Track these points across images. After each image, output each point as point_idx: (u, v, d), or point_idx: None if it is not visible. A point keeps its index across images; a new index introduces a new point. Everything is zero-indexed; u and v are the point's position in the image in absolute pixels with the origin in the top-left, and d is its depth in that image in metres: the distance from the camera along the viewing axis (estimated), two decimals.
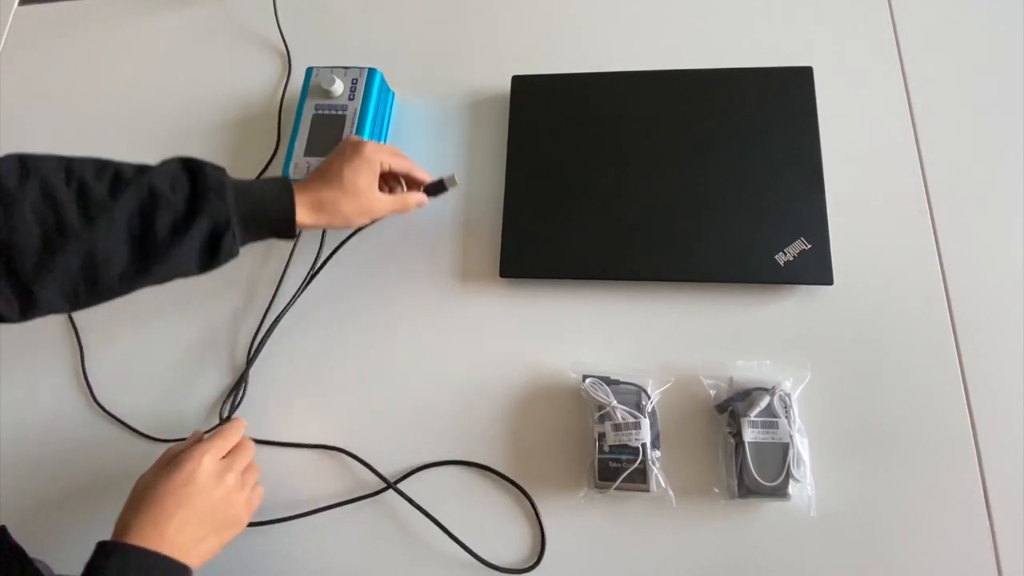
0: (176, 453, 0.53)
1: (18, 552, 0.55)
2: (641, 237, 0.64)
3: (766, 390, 0.56)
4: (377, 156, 0.59)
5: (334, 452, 0.62)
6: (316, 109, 0.70)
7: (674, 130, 0.67)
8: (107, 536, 0.47)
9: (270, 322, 0.67)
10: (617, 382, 0.58)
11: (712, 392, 0.59)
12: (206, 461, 0.51)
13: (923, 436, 0.57)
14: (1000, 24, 0.70)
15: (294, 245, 0.69)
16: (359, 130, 0.68)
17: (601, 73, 0.71)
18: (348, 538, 0.60)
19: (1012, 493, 0.55)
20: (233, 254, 0.52)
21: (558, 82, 0.71)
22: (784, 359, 0.59)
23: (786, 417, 0.55)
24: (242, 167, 0.73)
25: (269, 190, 0.54)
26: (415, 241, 0.69)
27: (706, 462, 0.58)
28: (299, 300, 0.67)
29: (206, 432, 0.57)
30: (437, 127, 0.74)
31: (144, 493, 0.49)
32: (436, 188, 0.64)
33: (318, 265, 0.68)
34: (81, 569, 0.45)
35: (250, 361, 0.66)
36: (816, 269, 0.60)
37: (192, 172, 0.50)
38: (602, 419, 0.57)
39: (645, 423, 0.56)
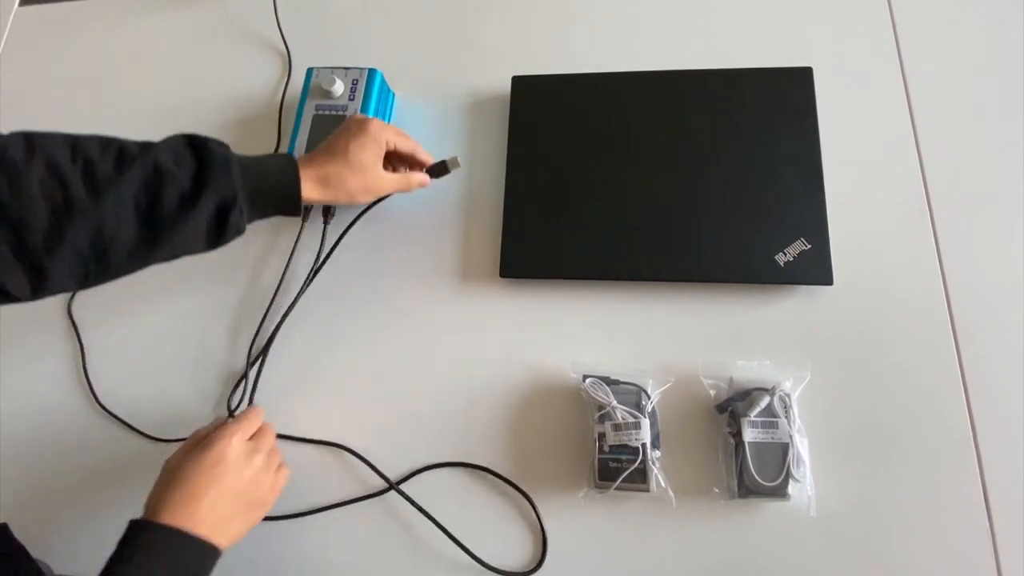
0: (204, 435, 0.53)
1: (19, 550, 0.55)
2: (641, 237, 0.64)
3: (766, 390, 0.56)
4: (383, 134, 0.59)
5: (335, 450, 0.62)
6: (316, 109, 0.70)
7: (674, 130, 0.67)
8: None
9: (271, 322, 0.67)
10: (617, 382, 0.58)
11: (712, 392, 0.59)
12: (235, 442, 0.51)
13: (923, 436, 0.57)
14: (1000, 24, 0.70)
15: (295, 244, 0.69)
16: None
17: (601, 73, 0.71)
18: (349, 538, 0.60)
19: (1012, 493, 0.55)
20: (240, 231, 0.52)
21: (558, 82, 0.71)
22: (784, 359, 0.59)
23: (786, 417, 0.55)
24: None
25: (274, 165, 0.54)
26: (415, 241, 0.69)
27: (706, 462, 0.58)
28: (300, 300, 0.67)
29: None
30: (437, 127, 0.74)
31: (174, 473, 0.49)
32: (439, 169, 0.64)
33: (321, 259, 0.68)
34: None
35: (250, 361, 0.66)
36: (816, 269, 0.60)
37: (197, 148, 0.50)
38: (602, 419, 0.57)
39: (645, 423, 0.56)
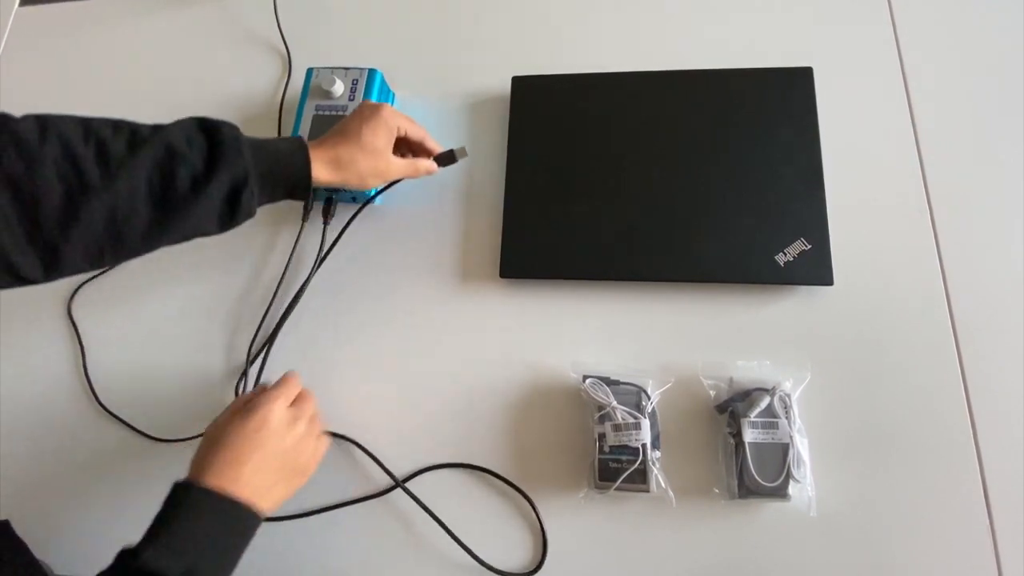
0: (246, 401, 0.53)
1: (20, 547, 0.55)
2: (641, 237, 0.64)
3: (766, 390, 0.56)
4: (394, 120, 0.60)
5: (335, 448, 0.62)
6: (316, 110, 0.70)
7: (674, 130, 0.67)
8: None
9: (272, 322, 0.67)
10: (617, 382, 0.58)
11: (712, 392, 0.59)
12: (277, 408, 0.51)
13: (923, 436, 0.57)
14: (1000, 24, 0.70)
15: (295, 244, 0.69)
16: None
17: (601, 74, 0.71)
18: (349, 538, 0.60)
19: (1012, 493, 0.55)
20: (251, 212, 0.53)
21: (558, 83, 0.71)
22: (784, 359, 0.59)
23: (786, 417, 0.55)
24: None
25: (284, 148, 0.55)
26: (415, 241, 0.69)
27: (706, 462, 0.58)
28: (300, 300, 0.67)
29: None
30: (437, 128, 0.73)
31: (219, 437, 0.50)
32: (446, 158, 0.64)
33: (321, 256, 0.68)
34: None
35: (250, 361, 0.66)
36: (816, 269, 0.60)
37: (208, 130, 0.51)
38: (602, 419, 0.57)
39: (645, 423, 0.56)
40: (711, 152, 0.66)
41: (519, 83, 0.72)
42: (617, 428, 0.56)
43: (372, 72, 0.71)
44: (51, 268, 0.45)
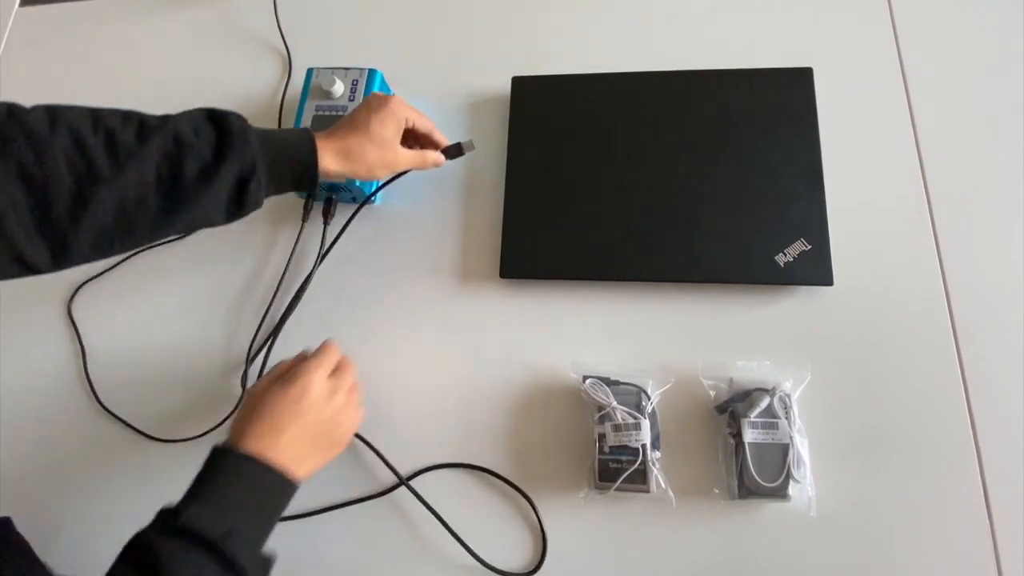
0: (287, 368, 0.54)
1: (22, 544, 0.56)
2: (641, 238, 0.64)
3: (766, 391, 0.56)
4: (403, 111, 0.60)
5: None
6: (316, 110, 0.69)
7: (674, 131, 0.67)
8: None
9: (272, 322, 0.67)
10: (617, 383, 0.58)
11: (712, 393, 0.59)
12: (317, 378, 0.52)
13: (923, 437, 0.57)
14: (1000, 24, 0.70)
15: (295, 244, 0.69)
16: None
17: (601, 74, 0.71)
18: (349, 537, 0.60)
19: (1012, 494, 0.55)
20: (258, 203, 0.53)
21: (558, 83, 0.71)
22: (784, 360, 0.59)
23: (786, 418, 0.55)
24: None
25: (291, 138, 0.55)
26: (416, 242, 0.69)
27: (706, 463, 0.58)
28: (300, 301, 0.67)
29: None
30: (437, 128, 0.74)
31: (260, 404, 0.50)
32: (454, 151, 0.64)
33: (324, 250, 0.68)
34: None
35: (250, 362, 0.66)
36: (816, 270, 0.60)
37: (216, 120, 0.51)
38: (602, 420, 0.57)
39: (645, 424, 0.56)
40: (711, 152, 0.66)
41: (519, 83, 0.72)
42: (617, 428, 0.56)
43: (372, 72, 0.71)
44: (59, 257, 0.46)
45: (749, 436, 0.54)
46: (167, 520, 0.44)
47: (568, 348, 0.62)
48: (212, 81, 0.80)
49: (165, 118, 0.49)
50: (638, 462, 0.55)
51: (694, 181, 0.65)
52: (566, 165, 0.67)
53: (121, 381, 0.68)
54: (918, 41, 0.70)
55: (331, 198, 0.69)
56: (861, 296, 0.61)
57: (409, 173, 0.66)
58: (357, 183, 0.66)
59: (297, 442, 0.49)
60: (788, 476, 0.54)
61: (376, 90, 0.70)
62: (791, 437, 0.54)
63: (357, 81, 0.70)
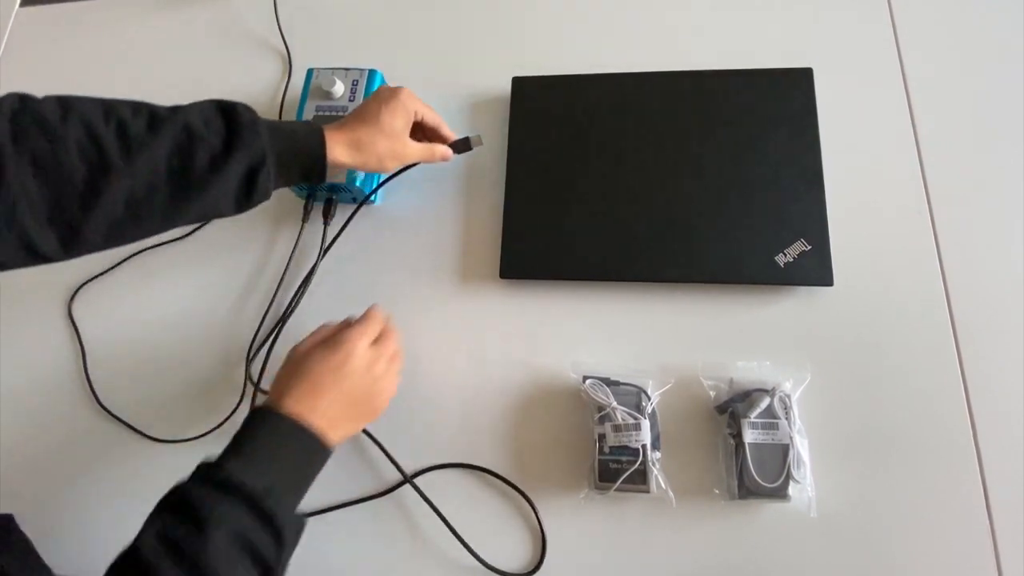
0: (332, 332, 0.54)
1: (24, 541, 0.56)
2: (641, 238, 0.64)
3: (766, 391, 0.56)
4: (412, 103, 0.60)
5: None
6: (317, 110, 0.70)
7: (674, 131, 0.67)
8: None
9: (271, 322, 0.67)
10: (617, 383, 0.58)
11: (712, 393, 0.59)
12: (360, 347, 0.53)
13: (923, 437, 0.57)
14: (1000, 24, 0.70)
15: (295, 245, 0.69)
16: None
17: (601, 74, 0.70)
18: (348, 536, 0.60)
19: (1012, 494, 0.55)
20: (267, 194, 0.53)
21: (558, 83, 0.71)
22: (784, 360, 0.59)
23: (786, 418, 0.55)
24: None
25: (300, 129, 0.55)
26: (416, 242, 0.69)
27: (706, 463, 0.58)
28: (301, 301, 0.67)
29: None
30: None
31: (301, 366, 0.51)
32: (462, 146, 0.65)
33: (328, 241, 0.68)
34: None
35: (250, 362, 0.66)
36: (816, 270, 0.60)
37: (225, 111, 0.51)
38: (602, 420, 0.57)
39: (645, 424, 0.56)
40: (711, 153, 0.66)
41: (519, 83, 0.72)
42: (617, 429, 0.56)
43: (372, 72, 0.71)
44: (70, 247, 0.46)
45: (749, 436, 0.54)
46: (208, 472, 0.45)
47: (568, 348, 0.62)
48: (212, 81, 0.80)
49: (175, 109, 0.50)
50: (638, 462, 0.55)
51: (694, 181, 0.65)
52: (566, 165, 0.67)
53: (121, 381, 0.68)
54: (918, 41, 0.70)
55: (331, 198, 0.69)
56: (861, 296, 0.61)
57: (409, 172, 0.66)
58: (358, 183, 0.66)
59: (335, 407, 0.50)
60: (788, 476, 0.54)
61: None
62: (791, 437, 0.54)
63: (357, 81, 0.70)
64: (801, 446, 0.55)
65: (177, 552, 0.41)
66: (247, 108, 0.52)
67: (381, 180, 0.69)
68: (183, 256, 0.72)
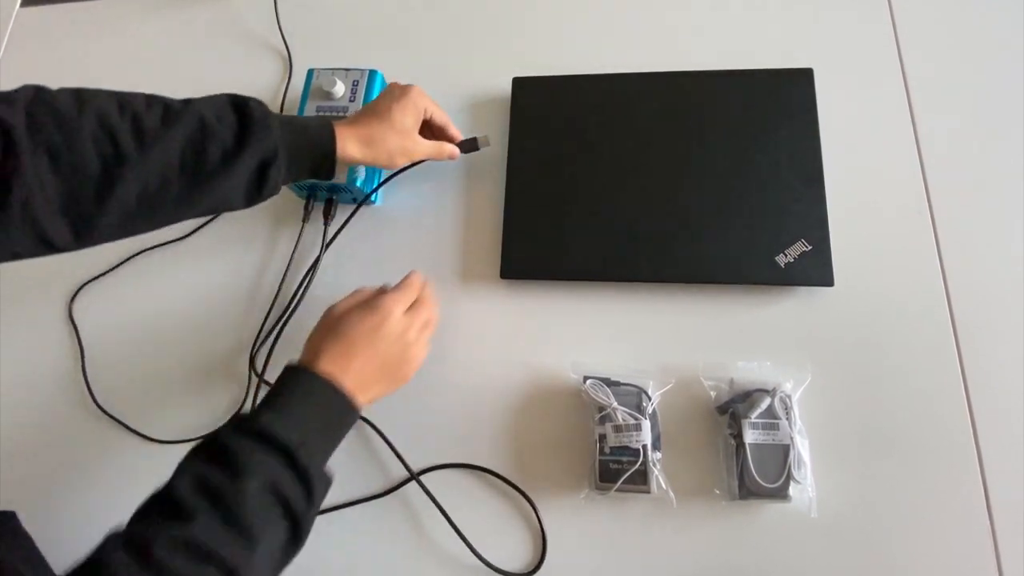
0: (368, 296, 0.55)
1: (26, 539, 0.56)
2: (642, 238, 0.64)
3: (767, 391, 0.56)
4: (423, 101, 0.61)
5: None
6: (317, 111, 0.70)
7: (675, 132, 0.67)
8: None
9: (272, 323, 0.67)
10: (618, 383, 0.58)
11: (713, 393, 0.59)
12: (397, 311, 0.54)
13: (924, 437, 0.57)
14: (1000, 24, 0.70)
15: (295, 245, 0.69)
16: None
17: (601, 75, 0.70)
18: (350, 534, 0.60)
19: (1013, 494, 0.55)
20: (276, 188, 0.54)
21: (559, 84, 0.71)
22: (785, 360, 0.59)
23: (787, 419, 0.55)
24: None
25: (311, 124, 0.56)
26: (416, 243, 0.69)
27: (707, 463, 0.58)
28: (302, 302, 0.67)
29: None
30: None
31: (338, 325, 0.52)
32: (469, 145, 0.66)
33: (323, 249, 0.68)
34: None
35: (251, 363, 0.66)
36: (817, 270, 0.60)
37: (238, 105, 0.52)
38: (603, 420, 0.57)
39: (646, 424, 0.56)
40: (712, 153, 0.66)
41: (519, 84, 0.72)
42: (618, 429, 0.56)
43: (373, 73, 0.71)
44: (82, 237, 0.47)
45: (750, 437, 0.54)
46: (242, 423, 0.45)
47: (568, 349, 0.62)
48: (213, 82, 0.80)
49: (188, 102, 0.50)
50: (639, 463, 0.55)
51: (694, 182, 0.65)
52: (567, 166, 0.67)
53: (120, 382, 0.68)
54: (918, 41, 0.70)
55: (331, 199, 0.69)
56: (862, 297, 0.61)
57: (409, 172, 0.66)
58: (358, 183, 0.66)
59: (367, 370, 0.51)
60: (789, 477, 0.54)
61: (377, 91, 0.70)
62: (792, 438, 0.54)
63: (358, 82, 0.70)
64: (802, 446, 0.55)
65: (212, 496, 0.41)
66: (259, 103, 0.53)
67: (382, 180, 0.69)
68: (183, 256, 0.72)
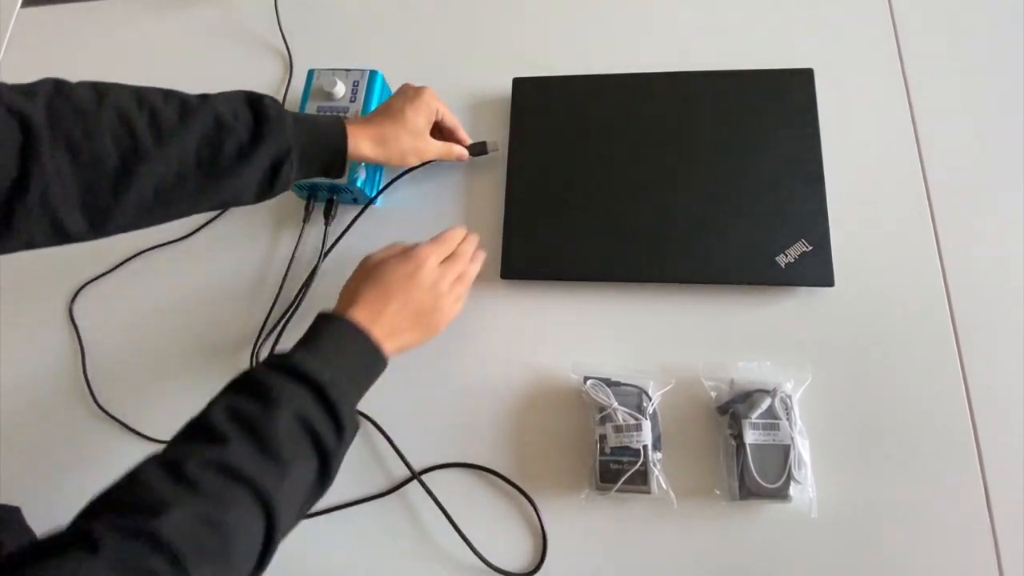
0: (405, 248, 0.56)
1: (30, 535, 0.56)
2: (642, 239, 0.64)
3: (767, 392, 0.56)
4: (435, 103, 0.63)
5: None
6: (318, 111, 0.70)
7: (675, 132, 0.67)
8: None
9: (273, 324, 0.67)
10: (618, 384, 0.58)
11: (713, 394, 0.59)
12: (432, 261, 0.55)
13: (924, 437, 0.57)
14: (1000, 24, 0.70)
15: (296, 246, 0.69)
16: None
17: (602, 75, 0.71)
18: (351, 534, 0.60)
19: (1013, 494, 0.55)
20: (287, 185, 0.55)
21: (559, 84, 0.71)
22: (785, 361, 0.59)
23: (787, 419, 0.55)
24: None
25: (324, 123, 0.57)
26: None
27: (707, 464, 0.58)
28: (303, 302, 0.67)
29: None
30: None
31: (373, 272, 0.54)
32: (478, 148, 0.67)
33: (329, 242, 0.68)
34: None
35: (252, 364, 0.66)
36: (817, 270, 0.60)
37: (252, 102, 0.52)
38: (603, 421, 0.57)
39: (646, 425, 0.56)
40: (712, 153, 0.66)
41: (520, 84, 0.72)
42: (618, 429, 0.56)
43: (373, 73, 0.71)
44: (97, 228, 0.47)
45: (750, 437, 0.54)
46: (275, 361, 0.46)
47: (569, 349, 0.62)
48: (214, 83, 0.79)
49: (204, 97, 0.51)
50: (639, 463, 0.55)
51: (694, 182, 0.65)
52: (567, 166, 0.67)
53: (121, 382, 0.68)
54: (918, 41, 0.70)
55: (332, 199, 0.69)
56: (862, 297, 0.61)
57: (410, 174, 0.67)
58: (359, 183, 0.66)
59: (397, 316, 0.52)
60: (789, 477, 0.54)
61: (377, 91, 0.70)
62: (792, 438, 0.54)
63: (358, 82, 0.70)
64: (802, 447, 0.55)
65: (246, 424, 0.42)
66: (274, 100, 0.54)
67: (389, 180, 0.69)
68: (183, 256, 0.73)
